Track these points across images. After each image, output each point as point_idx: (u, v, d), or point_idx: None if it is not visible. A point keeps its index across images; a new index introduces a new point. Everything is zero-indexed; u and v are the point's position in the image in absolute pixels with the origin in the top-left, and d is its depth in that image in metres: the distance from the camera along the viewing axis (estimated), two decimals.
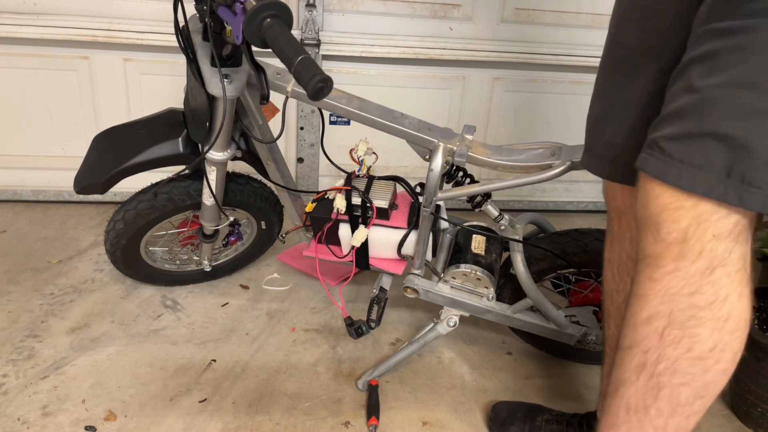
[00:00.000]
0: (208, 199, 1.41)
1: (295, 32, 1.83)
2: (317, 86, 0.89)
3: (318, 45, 1.84)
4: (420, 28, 1.90)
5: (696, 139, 0.73)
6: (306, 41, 1.83)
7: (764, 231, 1.57)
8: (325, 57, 1.89)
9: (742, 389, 1.35)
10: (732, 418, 1.40)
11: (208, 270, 1.64)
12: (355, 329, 1.33)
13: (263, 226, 1.60)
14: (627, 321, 0.87)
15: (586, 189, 2.27)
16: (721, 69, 0.71)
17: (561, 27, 1.95)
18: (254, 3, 0.97)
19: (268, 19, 0.96)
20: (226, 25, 1.06)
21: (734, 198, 0.72)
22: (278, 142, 2.03)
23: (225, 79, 1.14)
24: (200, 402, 1.33)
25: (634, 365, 0.86)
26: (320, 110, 1.32)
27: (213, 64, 1.14)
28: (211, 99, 1.20)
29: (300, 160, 2.06)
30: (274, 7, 0.97)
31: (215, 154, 1.31)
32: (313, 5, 1.80)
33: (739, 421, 1.39)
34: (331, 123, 2.01)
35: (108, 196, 2.02)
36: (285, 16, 0.98)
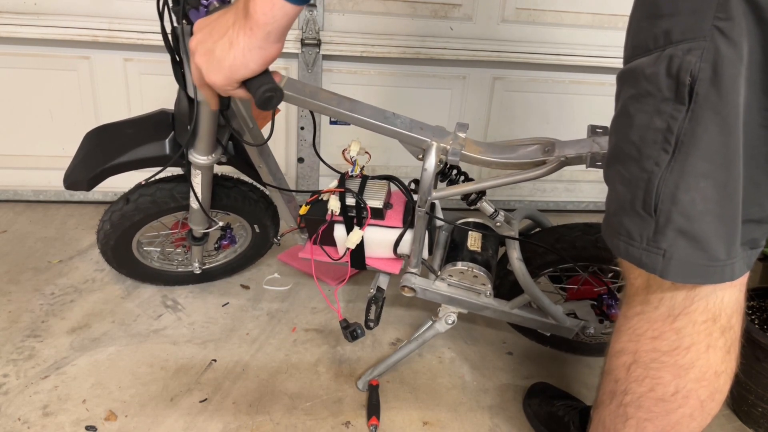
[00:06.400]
0: (193, 203, 1.39)
1: (295, 32, 1.83)
2: (265, 95, 0.87)
3: (318, 45, 1.84)
4: (420, 28, 1.90)
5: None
6: (306, 41, 1.83)
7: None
8: (326, 57, 1.89)
9: (742, 389, 1.35)
10: (732, 418, 1.40)
11: (198, 272, 1.62)
12: (350, 332, 1.30)
13: (257, 230, 1.58)
14: (607, 349, 0.92)
15: (587, 189, 2.27)
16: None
17: (561, 27, 1.95)
18: (217, 5, 0.94)
19: None
20: None
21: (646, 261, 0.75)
22: (279, 142, 2.06)
23: None
24: (201, 402, 1.33)
25: (608, 390, 0.90)
26: (311, 112, 1.27)
27: None
28: (195, 102, 1.17)
29: (300, 160, 2.06)
30: None
31: (199, 158, 1.28)
32: (314, 5, 1.80)
33: (740, 420, 1.39)
34: (332, 123, 2.01)
35: (109, 195, 2.02)
36: None
